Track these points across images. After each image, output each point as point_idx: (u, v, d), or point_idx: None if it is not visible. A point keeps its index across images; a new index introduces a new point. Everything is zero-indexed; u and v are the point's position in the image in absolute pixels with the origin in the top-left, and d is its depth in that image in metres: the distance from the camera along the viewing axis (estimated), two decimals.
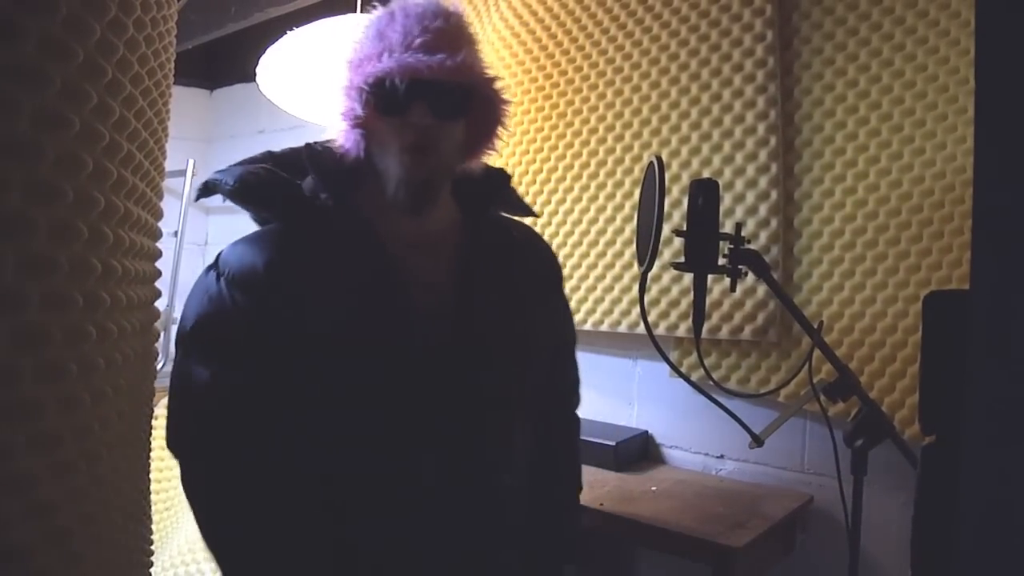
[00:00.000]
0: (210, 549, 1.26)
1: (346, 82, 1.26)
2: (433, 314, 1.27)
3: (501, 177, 1.44)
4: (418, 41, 1.21)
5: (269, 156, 1.40)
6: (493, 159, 1.39)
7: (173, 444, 1.29)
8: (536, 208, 2.52)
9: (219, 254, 1.29)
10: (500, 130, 1.34)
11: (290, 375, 1.23)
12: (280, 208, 1.31)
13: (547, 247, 1.55)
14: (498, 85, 1.29)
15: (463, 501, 1.29)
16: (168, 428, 1.28)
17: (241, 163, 1.36)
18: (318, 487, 1.26)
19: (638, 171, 2.30)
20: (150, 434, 1.21)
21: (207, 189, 1.32)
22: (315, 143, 1.34)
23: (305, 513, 1.26)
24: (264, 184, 1.31)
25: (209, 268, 1.28)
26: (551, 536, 1.49)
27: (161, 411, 1.47)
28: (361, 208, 1.29)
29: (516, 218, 1.50)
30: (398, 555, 1.27)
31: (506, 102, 1.31)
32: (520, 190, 2.55)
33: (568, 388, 1.60)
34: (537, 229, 2.49)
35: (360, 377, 1.24)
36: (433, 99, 1.21)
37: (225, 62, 3.86)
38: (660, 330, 2.22)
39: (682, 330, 2.20)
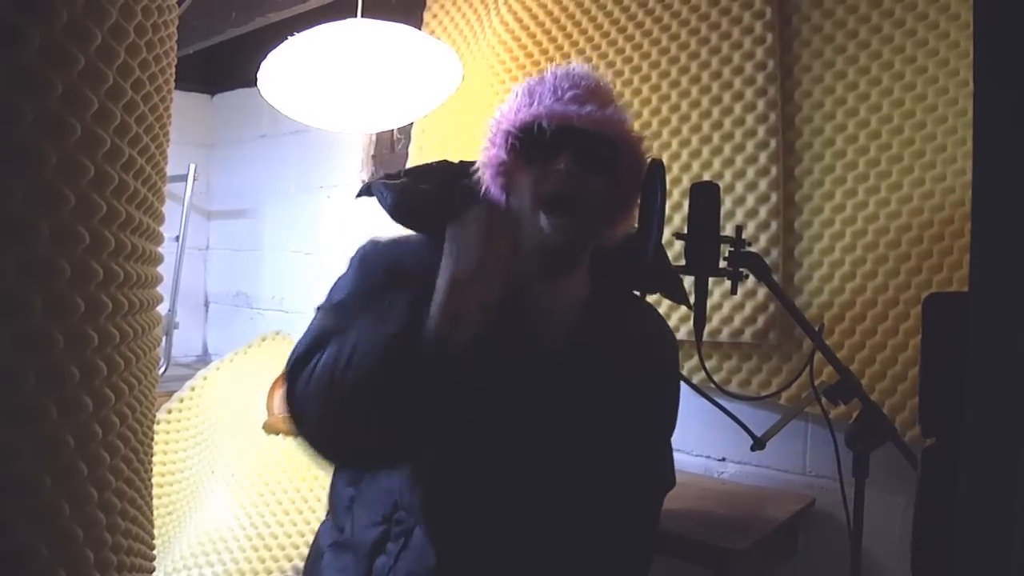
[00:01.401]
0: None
1: (491, 133, 1.28)
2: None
3: (648, 256, 1.35)
4: (569, 94, 1.23)
5: (429, 168, 1.42)
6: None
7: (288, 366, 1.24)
8: None
9: (366, 245, 1.33)
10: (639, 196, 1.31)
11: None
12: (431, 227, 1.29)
13: (665, 338, 1.52)
14: (644, 146, 1.30)
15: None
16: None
17: (408, 171, 1.40)
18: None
19: None
20: (152, 438, 1.21)
21: (367, 190, 1.37)
22: (467, 180, 1.32)
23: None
24: (420, 202, 1.32)
25: (358, 251, 1.33)
26: None
27: (163, 416, 1.47)
28: None
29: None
30: None
31: (647, 163, 1.30)
32: None
33: (648, 483, 1.50)
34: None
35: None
36: (578, 149, 1.21)
37: (226, 67, 3.86)
38: None
39: (683, 333, 2.19)
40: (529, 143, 1.22)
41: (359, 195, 1.38)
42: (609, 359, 1.33)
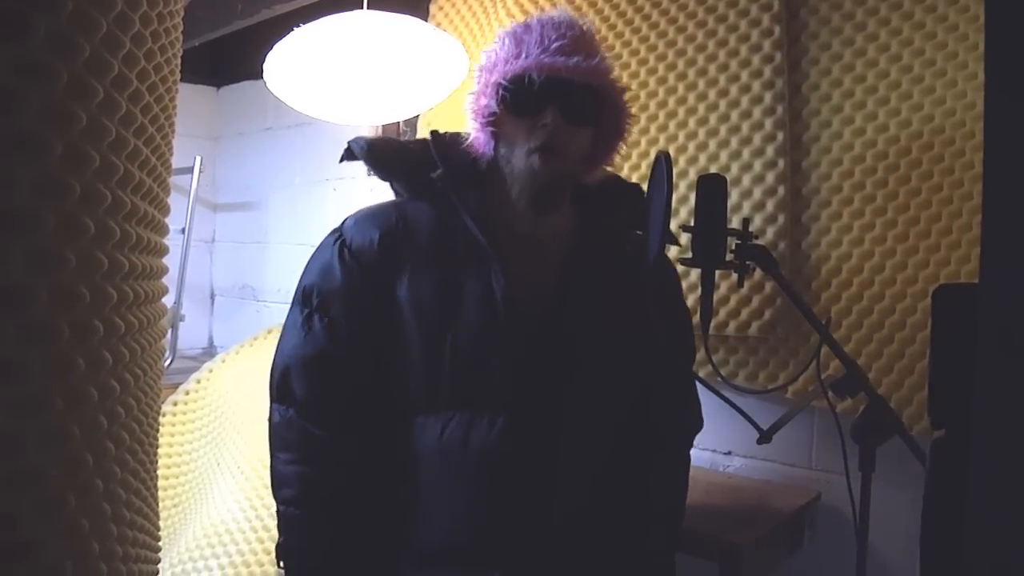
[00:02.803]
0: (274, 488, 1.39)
1: (480, 83, 1.34)
2: (528, 311, 1.32)
3: (631, 193, 1.51)
4: (555, 45, 1.28)
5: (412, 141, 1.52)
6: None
7: (271, 386, 1.40)
8: None
9: (345, 221, 1.42)
10: (621, 141, 1.41)
11: (382, 347, 1.34)
12: (405, 183, 1.44)
13: (667, 266, 1.58)
14: (626, 95, 1.37)
15: (532, 517, 1.33)
16: (271, 370, 1.40)
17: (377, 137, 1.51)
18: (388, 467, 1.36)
19: (645, 167, 2.29)
20: (158, 430, 1.22)
21: (348, 152, 1.45)
22: (443, 132, 1.43)
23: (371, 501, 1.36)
24: (391, 158, 1.44)
25: (333, 234, 1.41)
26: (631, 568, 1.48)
27: (169, 408, 1.53)
28: (482, 200, 1.37)
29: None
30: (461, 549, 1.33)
31: (630, 113, 1.39)
32: None
33: (682, 414, 1.58)
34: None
35: (445, 358, 1.31)
36: (565, 102, 1.28)
37: (232, 59, 3.86)
38: None
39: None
40: (518, 94, 1.28)
41: (342, 159, 1.45)
42: (600, 285, 1.40)
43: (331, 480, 1.34)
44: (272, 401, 1.39)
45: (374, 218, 1.39)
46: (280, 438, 1.38)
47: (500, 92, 1.28)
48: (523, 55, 1.28)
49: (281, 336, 1.42)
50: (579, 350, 1.36)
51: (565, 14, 1.35)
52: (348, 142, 1.43)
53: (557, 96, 1.27)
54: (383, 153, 1.44)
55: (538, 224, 1.38)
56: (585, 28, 1.35)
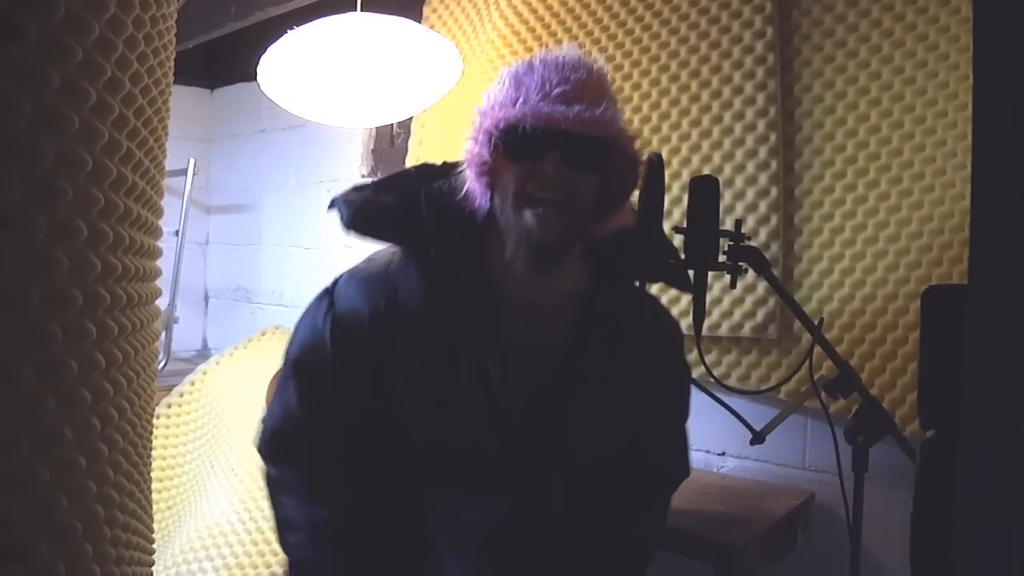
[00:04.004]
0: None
1: (475, 127, 1.21)
2: (525, 387, 1.24)
3: (656, 250, 1.37)
4: (556, 91, 1.16)
5: (407, 175, 1.39)
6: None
7: (260, 446, 1.37)
8: None
9: (337, 281, 1.33)
10: (632, 190, 1.27)
11: (371, 422, 1.29)
12: (395, 242, 1.32)
13: (673, 344, 1.50)
14: (637, 144, 1.24)
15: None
16: (261, 431, 1.37)
17: (379, 183, 1.37)
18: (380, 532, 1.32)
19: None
20: (151, 433, 1.21)
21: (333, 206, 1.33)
22: (439, 183, 1.28)
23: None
24: (378, 218, 1.30)
25: (324, 294, 1.33)
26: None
27: (163, 410, 1.51)
28: (480, 261, 1.26)
29: (654, 290, 1.47)
30: None
31: (641, 162, 1.25)
32: None
33: (662, 464, 1.52)
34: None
35: (436, 445, 1.27)
36: (567, 149, 1.16)
37: (226, 61, 3.86)
38: None
39: (683, 327, 2.19)
40: (513, 143, 1.16)
41: (330, 208, 1.34)
42: (607, 363, 1.30)
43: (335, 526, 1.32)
44: (265, 459, 1.38)
45: (363, 292, 1.28)
46: (278, 488, 1.37)
47: (493, 140, 1.16)
48: (520, 100, 1.16)
49: (272, 402, 1.37)
50: (577, 438, 1.30)
51: (573, 53, 1.22)
52: (333, 200, 1.32)
53: (558, 145, 1.15)
54: (369, 217, 1.30)
55: (540, 287, 1.26)
56: (595, 69, 1.22)
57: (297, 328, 1.36)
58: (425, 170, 1.37)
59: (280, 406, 1.34)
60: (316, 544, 1.30)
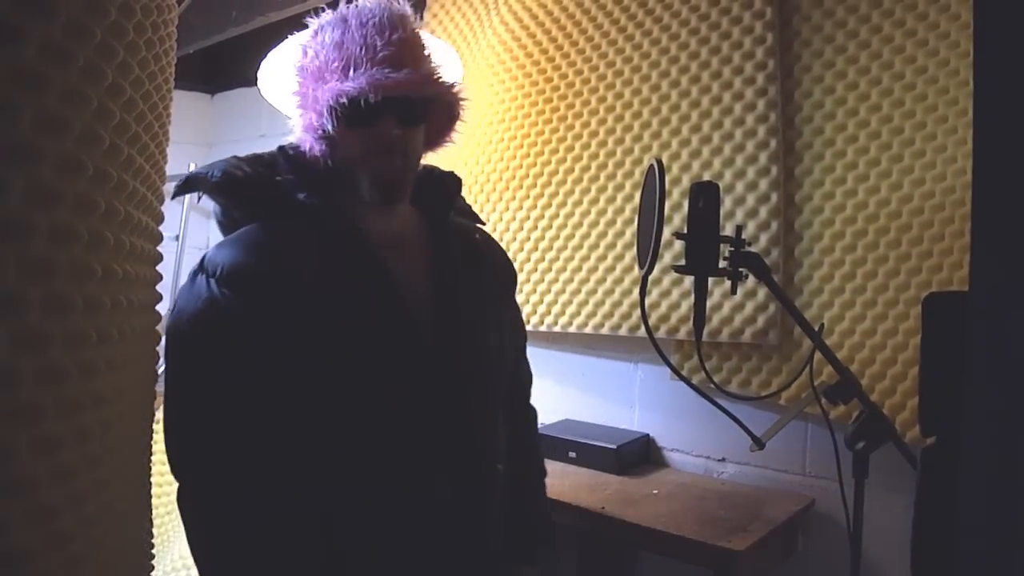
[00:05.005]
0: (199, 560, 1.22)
1: (309, 95, 1.27)
2: (415, 314, 1.29)
3: (455, 181, 1.48)
4: (382, 54, 1.22)
5: (240, 158, 1.38)
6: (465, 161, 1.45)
7: (175, 461, 1.22)
8: (536, 212, 2.52)
9: (203, 257, 1.25)
10: (459, 125, 1.38)
11: (286, 377, 1.20)
12: (265, 204, 1.30)
13: (503, 251, 1.62)
14: (457, 89, 1.32)
15: (466, 496, 1.31)
16: (170, 443, 1.22)
17: (217, 162, 1.33)
18: (316, 496, 1.23)
19: (638, 174, 2.30)
20: (151, 438, 1.21)
21: (187, 184, 1.29)
22: (287, 146, 1.36)
23: (300, 524, 1.22)
24: (250, 179, 1.31)
25: (195, 272, 1.24)
26: (526, 522, 1.53)
27: (162, 414, 1.44)
28: (339, 206, 1.30)
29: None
30: (397, 557, 1.27)
31: (464, 100, 1.34)
32: (520, 193, 2.56)
33: (526, 381, 1.65)
34: (538, 232, 2.51)
35: (355, 374, 1.23)
36: (400, 111, 1.24)
37: (226, 66, 3.87)
38: (661, 333, 2.22)
39: (683, 333, 2.20)
40: (353, 113, 1.21)
41: (176, 195, 1.29)
42: (467, 272, 1.39)
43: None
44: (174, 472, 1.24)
45: (240, 247, 1.24)
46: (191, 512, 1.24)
47: (336, 113, 1.21)
48: (351, 68, 1.21)
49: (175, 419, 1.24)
50: (473, 342, 1.36)
51: (383, 5, 1.28)
52: (188, 176, 1.29)
53: (392, 109, 1.23)
54: (236, 181, 1.29)
55: (396, 217, 1.35)
56: (407, 19, 1.29)
57: (178, 316, 1.23)
58: (252, 155, 1.41)
59: (187, 400, 1.22)
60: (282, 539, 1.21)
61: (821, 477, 2.08)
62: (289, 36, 2.11)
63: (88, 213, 0.83)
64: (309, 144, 1.28)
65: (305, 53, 1.30)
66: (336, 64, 1.23)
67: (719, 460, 2.28)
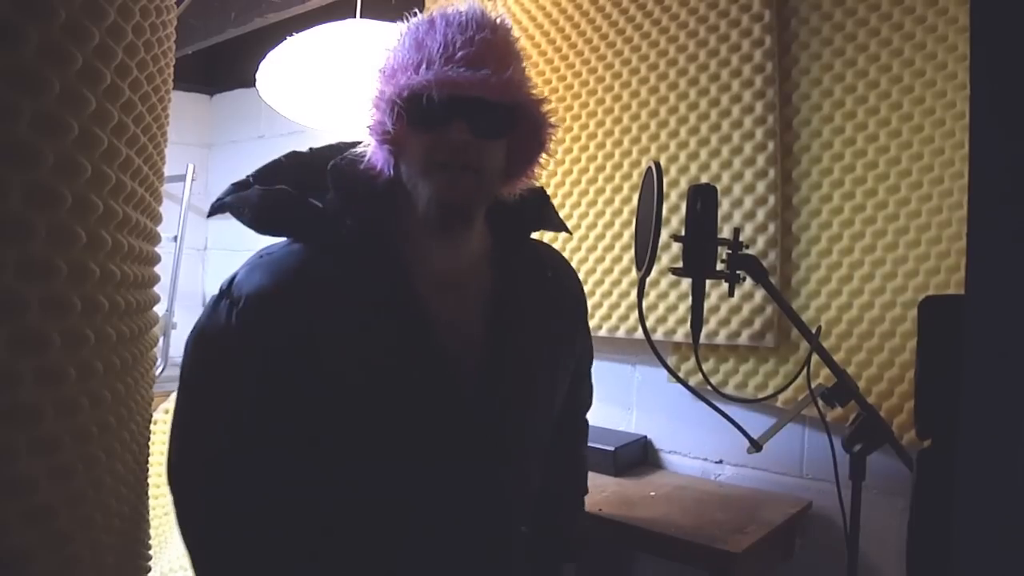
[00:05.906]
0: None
1: (376, 93, 1.15)
2: (459, 357, 1.18)
3: (538, 201, 1.34)
4: (460, 53, 1.09)
5: (280, 166, 1.28)
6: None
7: (173, 474, 1.22)
8: None
9: (232, 279, 1.20)
10: (543, 155, 1.22)
11: (302, 419, 1.15)
12: (308, 228, 1.20)
13: (577, 281, 1.50)
14: (545, 107, 1.18)
15: (478, 551, 1.24)
16: (170, 457, 1.22)
17: (258, 175, 1.25)
18: (321, 539, 1.19)
19: (636, 176, 2.30)
20: (149, 439, 1.21)
21: (222, 209, 1.22)
22: (340, 158, 1.21)
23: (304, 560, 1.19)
24: (283, 208, 1.20)
25: (222, 293, 1.19)
26: (556, 534, 1.49)
27: (160, 416, 1.43)
28: (389, 235, 1.19)
29: (545, 239, 1.43)
30: None
31: (552, 125, 1.20)
32: None
33: (582, 402, 1.59)
34: (536, 234, 2.50)
35: (377, 423, 1.16)
36: (474, 116, 1.11)
37: (225, 67, 3.87)
38: (658, 335, 2.22)
39: (680, 335, 2.20)
40: (417, 111, 1.10)
41: (211, 214, 1.24)
42: (528, 313, 1.28)
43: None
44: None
45: (272, 274, 1.17)
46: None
47: (396, 110, 1.10)
48: (423, 65, 1.10)
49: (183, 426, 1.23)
50: (519, 394, 1.26)
51: (477, 9, 1.14)
52: (222, 201, 1.23)
53: (464, 112, 1.09)
54: (273, 211, 1.20)
55: (454, 250, 1.22)
56: (500, 27, 1.16)
57: (194, 342, 1.20)
58: (297, 157, 1.31)
59: (188, 425, 1.22)
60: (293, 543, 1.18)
61: (818, 479, 2.08)
62: (288, 37, 2.12)
63: (86, 214, 0.83)
64: (371, 151, 1.17)
65: (387, 58, 1.19)
66: (411, 61, 1.12)
67: (717, 462, 2.28)
